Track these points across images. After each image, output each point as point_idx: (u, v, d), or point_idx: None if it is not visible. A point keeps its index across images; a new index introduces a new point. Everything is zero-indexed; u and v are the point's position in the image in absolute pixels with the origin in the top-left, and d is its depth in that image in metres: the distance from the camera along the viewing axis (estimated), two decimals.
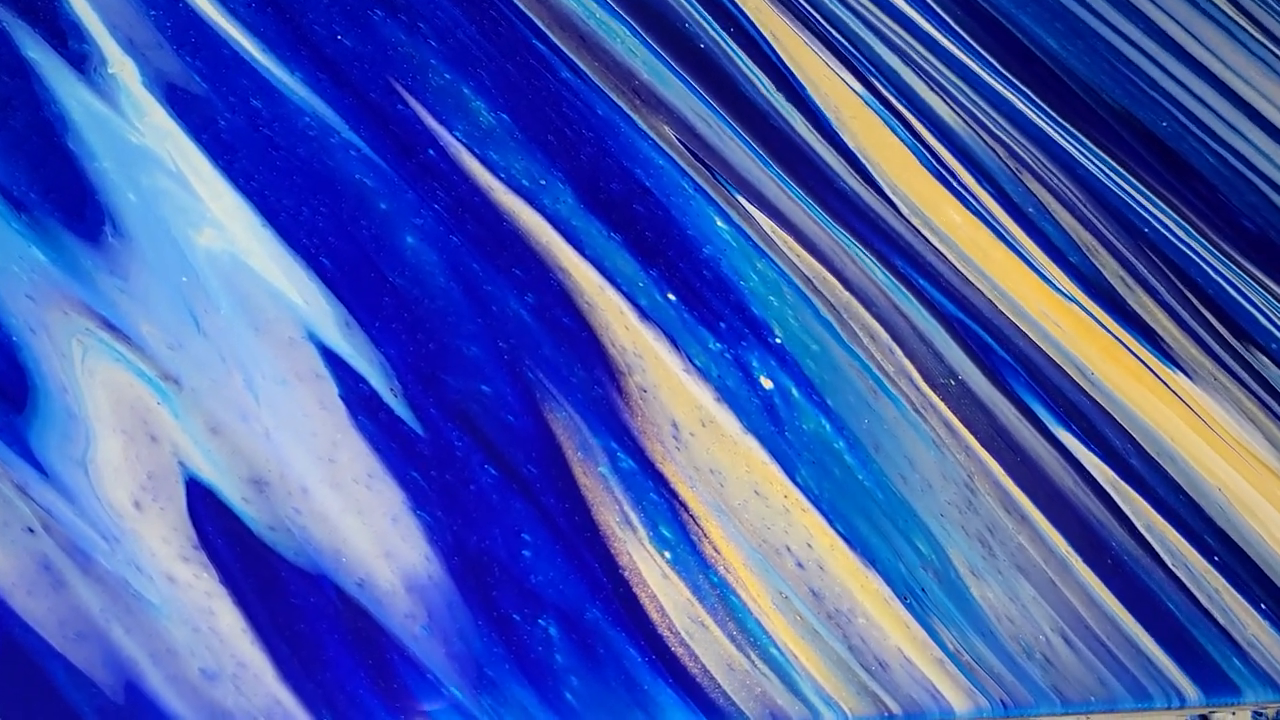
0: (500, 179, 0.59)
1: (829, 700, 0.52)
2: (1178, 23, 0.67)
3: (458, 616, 0.51)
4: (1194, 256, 0.63)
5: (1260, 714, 0.90)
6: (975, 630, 0.54)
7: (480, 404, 0.54)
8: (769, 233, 0.60)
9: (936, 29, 0.65)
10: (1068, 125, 0.65)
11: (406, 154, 0.58)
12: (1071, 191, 0.64)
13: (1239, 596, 0.57)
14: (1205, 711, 0.63)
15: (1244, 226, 0.65)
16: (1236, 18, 0.68)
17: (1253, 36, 0.68)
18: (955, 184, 0.63)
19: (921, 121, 0.64)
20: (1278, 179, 0.66)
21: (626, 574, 0.53)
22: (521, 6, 0.62)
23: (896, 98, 0.64)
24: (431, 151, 0.59)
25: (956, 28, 0.66)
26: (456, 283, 0.57)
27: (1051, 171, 0.64)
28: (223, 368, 0.53)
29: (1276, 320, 0.62)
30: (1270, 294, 0.63)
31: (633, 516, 0.54)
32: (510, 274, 0.57)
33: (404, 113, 0.59)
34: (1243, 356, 0.62)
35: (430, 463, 0.53)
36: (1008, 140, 0.64)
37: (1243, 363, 0.61)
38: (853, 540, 0.55)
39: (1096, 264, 0.62)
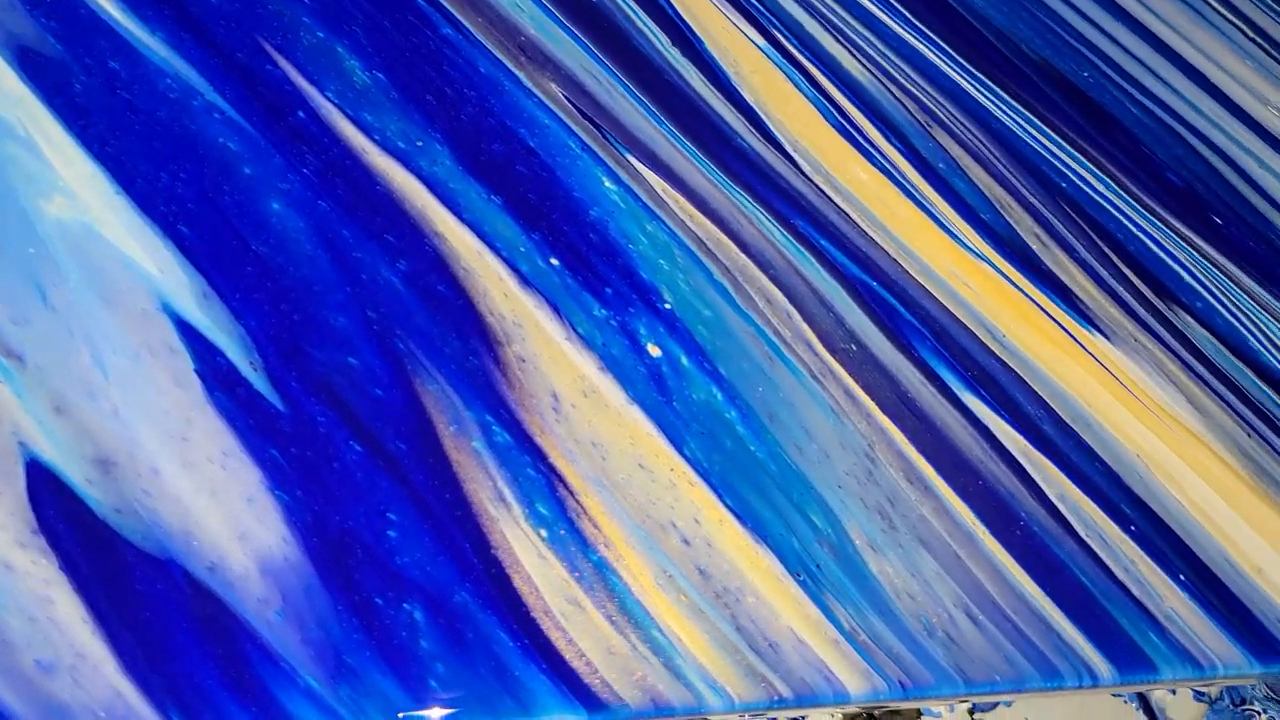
0: (374, 141, 0.56)
1: (714, 685, 0.49)
2: None
3: (315, 601, 0.48)
4: (1115, 212, 0.60)
5: (1202, 694, 0.87)
6: (873, 608, 0.51)
7: (346, 377, 0.51)
8: (660, 193, 0.57)
9: None
10: (982, 77, 0.62)
11: (275, 116, 0.55)
12: (985, 146, 0.60)
13: (1157, 568, 0.53)
14: (1143, 689, 0.60)
15: (1169, 180, 0.61)
16: None
17: None
18: (861, 140, 0.60)
19: (826, 75, 0.61)
20: (1205, 130, 0.63)
21: (499, 554, 0.50)
22: None
23: (800, 50, 0.61)
24: (301, 113, 0.56)
25: None
26: (324, 250, 0.53)
27: (964, 125, 0.61)
28: (70, 342, 0.50)
29: (1201, 277, 0.59)
30: (1196, 250, 0.60)
31: (507, 493, 0.51)
32: (382, 240, 0.54)
33: (273, 73, 0.56)
34: (1165, 316, 0.58)
35: (291, 440, 0.50)
36: (918, 94, 0.61)
37: (1165, 322, 0.58)
38: (743, 515, 0.52)
39: (1010, 221, 0.59)
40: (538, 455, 0.51)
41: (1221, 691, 0.85)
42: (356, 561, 0.49)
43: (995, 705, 0.80)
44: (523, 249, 0.55)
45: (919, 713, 0.79)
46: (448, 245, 0.54)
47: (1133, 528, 0.54)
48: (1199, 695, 0.84)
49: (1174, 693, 0.84)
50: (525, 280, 0.54)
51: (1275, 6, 0.64)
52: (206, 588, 0.48)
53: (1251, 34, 0.66)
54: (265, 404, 0.50)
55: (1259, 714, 0.84)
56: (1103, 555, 0.53)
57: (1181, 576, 0.54)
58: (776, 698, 0.50)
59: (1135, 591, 0.53)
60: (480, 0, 0.59)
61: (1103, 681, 0.52)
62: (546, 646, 0.49)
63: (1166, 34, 0.64)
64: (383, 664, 0.48)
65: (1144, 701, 0.82)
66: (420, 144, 0.56)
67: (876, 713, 0.77)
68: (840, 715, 0.79)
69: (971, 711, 0.80)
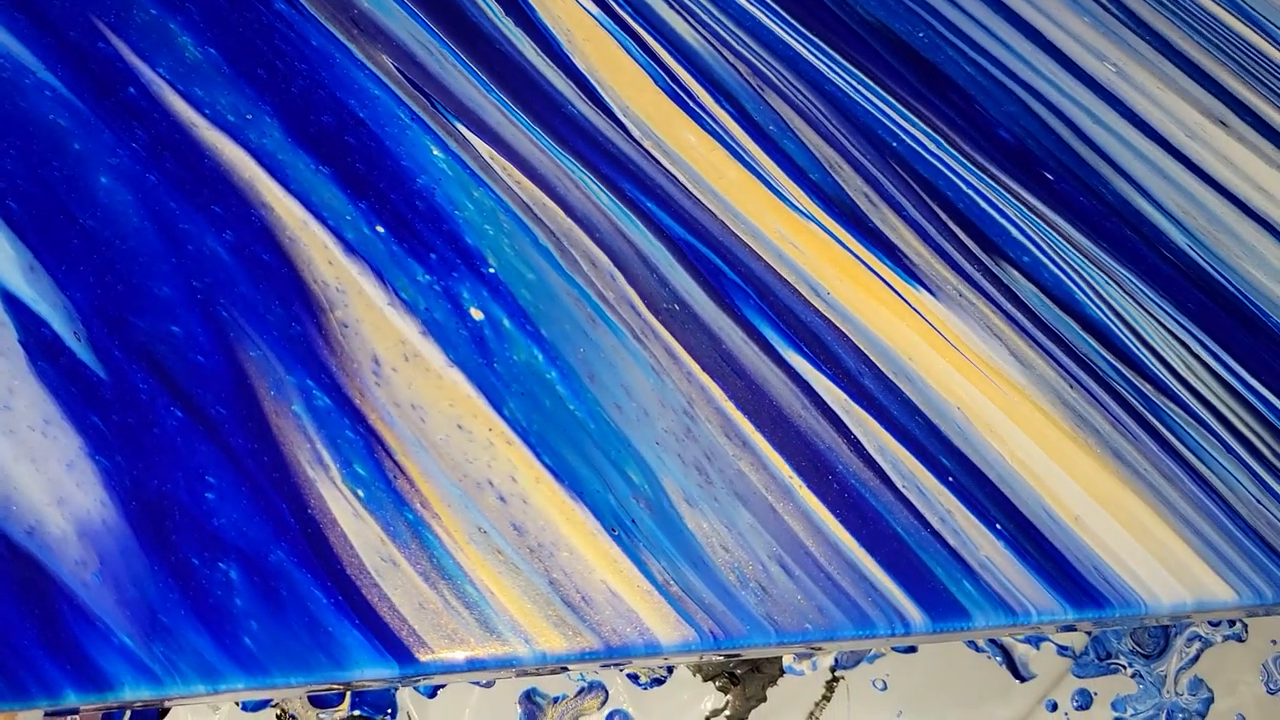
0: (204, 115, 0.57)
1: (526, 637, 0.51)
2: None
3: (132, 562, 0.49)
4: (945, 170, 0.61)
5: (1065, 648, 0.88)
6: (687, 561, 0.52)
7: (169, 345, 0.53)
8: (488, 160, 0.58)
9: None
10: (817, 40, 0.63)
11: (105, 93, 0.56)
12: (817, 108, 0.61)
13: (972, 517, 0.55)
14: (956, 637, 0.61)
15: (1000, 137, 0.62)
16: None
17: None
18: (692, 104, 0.60)
19: (659, 41, 0.61)
20: (1040, 87, 0.63)
21: (315, 514, 0.51)
22: None
23: (633, 17, 0.62)
24: (132, 89, 0.57)
25: None
26: (151, 222, 0.55)
27: (797, 89, 0.62)
28: None
29: (1029, 232, 0.60)
30: (1024, 205, 0.60)
31: (325, 455, 0.52)
32: (209, 211, 0.55)
33: (105, 50, 0.57)
34: (991, 271, 0.59)
35: (112, 406, 0.51)
36: (751, 58, 0.62)
37: (991, 277, 0.59)
38: (560, 473, 0.53)
39: (839, 180, 0.60)
40: (357, 418, 0.53)
41: (1086, 645, 0.86)
42: (174, 524, 0.50)
43: (858, 662, 0.82)
44: (349, 217, 0.56)
45: (781, 669, 0.80)
46: (274, 215, 0.55)
47: (951, 479, 0.55)
48: (1062, 650, 0.85)
49: (1038, 647, 0.85)
50: (350, 248, 0.55)
51: None
52: (25, 551, 0.49)
53: None
54: (87, 372, 0.52)
55: (1124, 668, 0.85)
56: (919, 506, 0.55)
57: (998, 526, 0.55)
58: (587, 649, 0.51)
59: (951, 541, 0.54)
60: None
61: (915, 628, 0.53)
62: (360, 602, 0.50)
63: None
64: (197, 622, 0.49)
65: (1008, 657, 0.83)
66: (250, 117, 0.57)
67: (738, 671, 0.78)
68: (700, 674, 0.80)
69: (833, 668, 0.81)
